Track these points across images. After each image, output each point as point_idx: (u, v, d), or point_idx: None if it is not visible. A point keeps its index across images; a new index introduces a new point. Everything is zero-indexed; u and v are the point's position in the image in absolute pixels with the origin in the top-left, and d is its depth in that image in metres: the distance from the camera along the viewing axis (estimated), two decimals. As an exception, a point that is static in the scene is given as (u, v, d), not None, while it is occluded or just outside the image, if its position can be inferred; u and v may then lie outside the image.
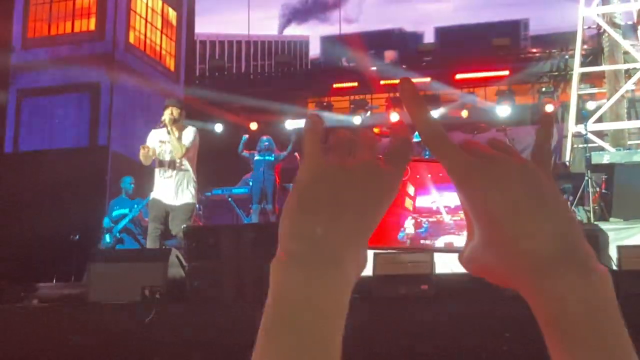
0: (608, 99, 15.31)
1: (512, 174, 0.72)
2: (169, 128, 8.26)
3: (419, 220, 0.91)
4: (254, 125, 17.03)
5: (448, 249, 0.88)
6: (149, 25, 16.41)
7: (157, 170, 8.50)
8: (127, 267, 7.27)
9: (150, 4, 16.51)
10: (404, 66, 17.93)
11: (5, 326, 7.11)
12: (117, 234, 11.18)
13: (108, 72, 14.59)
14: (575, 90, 15.53)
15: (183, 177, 8.38)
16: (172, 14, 17.47)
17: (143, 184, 12.32)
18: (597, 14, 15.67)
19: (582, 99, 15.66)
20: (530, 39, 18.24)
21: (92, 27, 15.26)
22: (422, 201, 0.92)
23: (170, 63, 17.29)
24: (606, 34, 15.70)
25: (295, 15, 19.32)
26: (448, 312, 6.32)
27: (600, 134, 15.17)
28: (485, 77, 17.30)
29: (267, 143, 13.40)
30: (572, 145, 15.12)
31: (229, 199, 14.68)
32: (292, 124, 17.34)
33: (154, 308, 6.62)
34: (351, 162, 0.73)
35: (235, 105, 18.80)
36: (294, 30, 19.33)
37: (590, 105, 15.36)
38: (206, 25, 19.26)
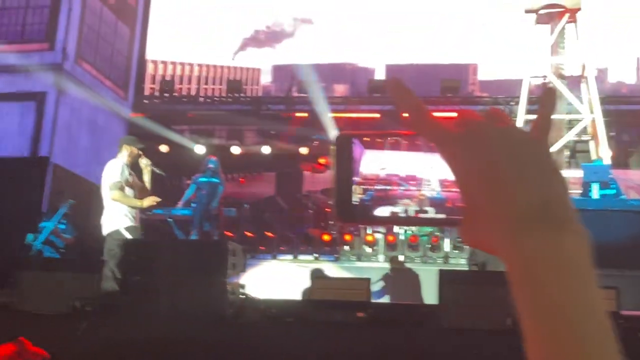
0: (550, 147, 15.64)
1: (492, 138, 0.73)
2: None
3: (364, 186, 0.89)
4: (199, 149, 16.94)
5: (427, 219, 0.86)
6: (100, 40, 16.26)
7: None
8: (58, 277, 7.11)
9: (103, 18, 16.38)
10: (354, 100, 18.09)
11: None
12: (40, 246, 10.86)
13: (56, 82, 14.38)
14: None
15: None
16: (124, 30, 17.36)
17: (85, 201, 12.15)
18: (545, 65, 16.08)
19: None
20: (478, 84, 18.57)
21: (43, 36, 15.06)
22: (369, 166, 0.90)
23: (120, 79, 17.13)
24: (551, 84, 16.08)
25: (248, 44, 19.39)
26: (383, 341, 6.31)
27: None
28: (433, 118, 17.47)
29: (212, 165, 13.39)
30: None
31: (169, 220, 14.50)
32: (237, 149, 17.33)
33: (85, 320, 6.48)
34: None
35: (182, 127, 18.71)
36: (246, 57, 19.36)
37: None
38: (159, 47, 19.17)
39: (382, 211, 0.88)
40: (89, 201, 12.70)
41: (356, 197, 0.85)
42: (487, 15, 17.87)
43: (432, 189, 0.90)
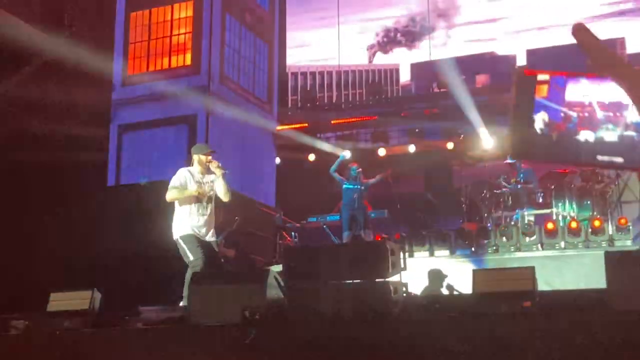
0: None
1: None
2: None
3: (568, 114, 0.89)
4: (347, 154, 17.14)
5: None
6: (241, 58, 16.78)
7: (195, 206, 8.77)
8: (226, 289, 7.37)
9: (243, 37, 16.90)
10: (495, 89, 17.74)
11: (109, 349, 7.30)
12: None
13: (204, 104, 14.98)
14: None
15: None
16: (264, 47, 17.83)
17: (240, 214, 12.58)
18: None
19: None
20: (627, 57, 17.70)
21: (188, 62, 15.71)
22: (573, 94, 0.90)
23: (263, 94, 17.62)
24: None
25: (384, 45, 19.41)
26: (551, 330, 6.14)
27: None
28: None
29: (353, 173, 13.68)
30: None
31: (324, 227, 14.80)
32: (383, 151, 17.39)
33: (253, 329, 6.67)
34: None
35: (327, 135, 18.97)
36: (384, 59, 19.39)
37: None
38: (297, 58, 19.55)
39: (585, 135, 0.88)
40: (243, 214, 13.19)
41: (538, 128, 0.85)
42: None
43: (636, 115, 0.91)
